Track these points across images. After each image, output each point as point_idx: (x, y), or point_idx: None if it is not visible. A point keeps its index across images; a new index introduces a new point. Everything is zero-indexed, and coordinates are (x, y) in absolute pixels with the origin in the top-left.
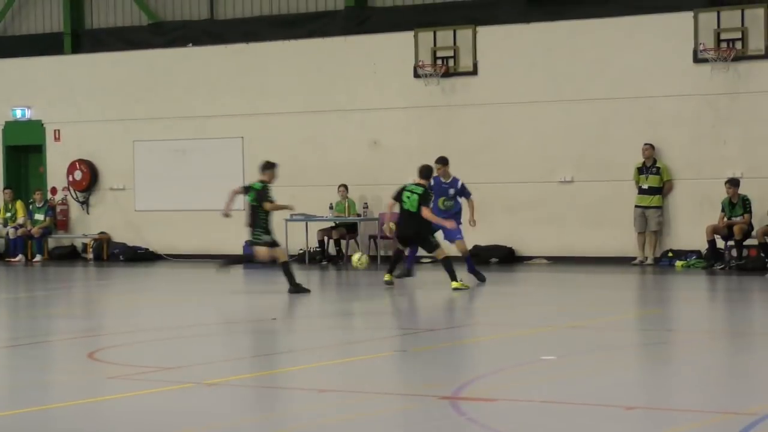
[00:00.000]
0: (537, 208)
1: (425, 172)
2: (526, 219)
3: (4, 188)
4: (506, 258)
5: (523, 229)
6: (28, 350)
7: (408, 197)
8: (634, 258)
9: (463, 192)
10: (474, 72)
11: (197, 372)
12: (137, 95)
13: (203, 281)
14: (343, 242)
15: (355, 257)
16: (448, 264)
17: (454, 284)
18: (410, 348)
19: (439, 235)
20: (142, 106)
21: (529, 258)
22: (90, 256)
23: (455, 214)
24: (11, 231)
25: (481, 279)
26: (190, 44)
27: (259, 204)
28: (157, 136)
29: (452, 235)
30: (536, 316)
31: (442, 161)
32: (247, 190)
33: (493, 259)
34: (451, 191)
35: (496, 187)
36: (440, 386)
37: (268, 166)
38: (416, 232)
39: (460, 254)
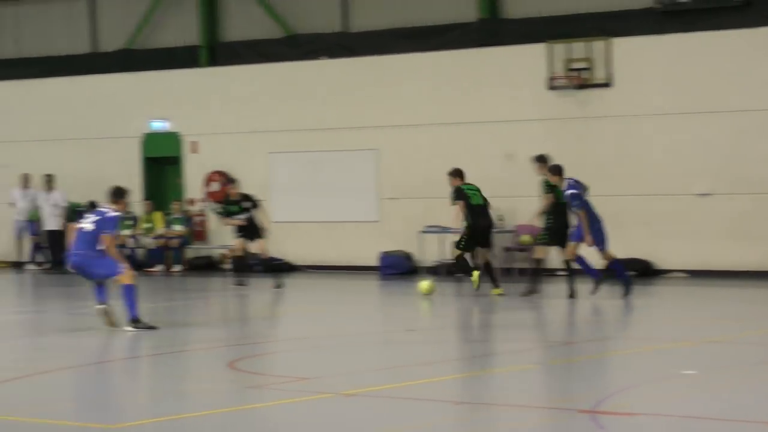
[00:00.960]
0: (674, 222)
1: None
2: (664, 232)
3: (144, 199)
4: (644, 272)
5: (661, 243)
6: (168, 359)
7: (474, 193)
8: None
9: (568, 202)
10: (608, 84)
11: (335, 382)
12: (272, 107)
13: (340, 292)
14: None
15: (424, 285)
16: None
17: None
18: (548, 361)
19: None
20: (277, 118)
21: (667, 272)
22: (227, 266)
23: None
24: (150, 241)
25: (626, 292)
26: (324, 57)
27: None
28: (292, 148)
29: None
30: (675, 330)
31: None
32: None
33: (631, 273)
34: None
35: (633, 200)
36: (579, 400)
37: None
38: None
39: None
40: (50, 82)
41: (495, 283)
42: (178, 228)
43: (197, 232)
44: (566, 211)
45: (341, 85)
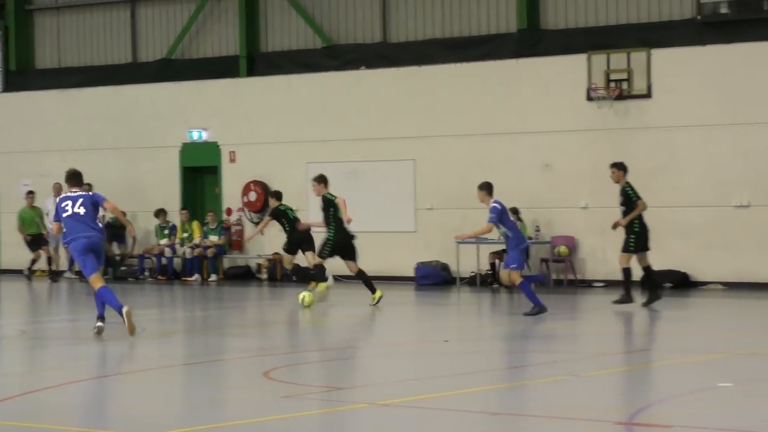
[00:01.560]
0: (712, 233)
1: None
2: (701, 244)
3: (181, 209)
4: (680, 283)
5: (698, 254)
6: (203, 368)
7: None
8: None
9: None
10: (648, 95)
11: (370, 392)
12: (311, 117)
13: (385, 300)
14: None
15: (305, 297)
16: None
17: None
18: (583, 372)
19: None
20: (316, 128)
21: (704, 283)
22: (264, 276)
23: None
24: (187, 251)
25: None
26: (363, 67)
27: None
28: (330, 158)
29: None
30: (712, 342)
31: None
32: None
33: (667, 284)
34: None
35: (670, 212)
36: (615, 411)
37: None
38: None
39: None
40: (90, 92)
41: (372, 289)
42: (214, 237)
43: (234, 242)
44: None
45: (380, 96)
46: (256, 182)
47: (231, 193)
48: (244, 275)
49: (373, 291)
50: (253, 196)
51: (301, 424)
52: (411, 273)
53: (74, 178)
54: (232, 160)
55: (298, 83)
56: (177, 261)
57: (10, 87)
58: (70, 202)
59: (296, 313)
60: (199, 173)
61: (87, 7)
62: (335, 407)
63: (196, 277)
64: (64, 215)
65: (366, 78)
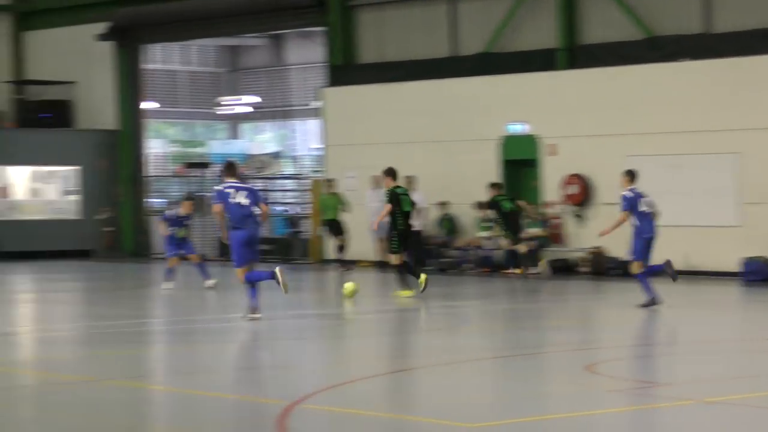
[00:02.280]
0: None
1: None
2: None
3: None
4: None
5: None
6: (524, 361)
7: (405, 198)
8: None
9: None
10: None
11: (696, 389)
12: (631, 110)
13: (699, 297)
14: None
15: (348, 287)
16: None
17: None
18: None
19: None
20: (636, 120)
21: None
22: (585, 269)
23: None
24: (507, 243)
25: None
26: (686, 58)
27: None
28: (651, 151)
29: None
30: None
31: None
32: None
33: None
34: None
35: None
36: None
37: None
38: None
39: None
40: (411, 86)
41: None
42: (533, 230)
43: (553, 235)
44: None
45: (703, 88)
46: (575, 175)
47: (549, 186)
48: (564, 269)
49: (418, 276)
50: (572, 189)
51: (627, 419)
52: (733, 268)
53: (231, 168)
54: (552, 153)
55: (618, 75)
56: (497, 253)
57: (335, 81)
58: (233, 191)
59: (617, 307)
60: (518, 166)
61: (407, 2)
62: (660, 403)
63: (522, 269)
64: (230, 200)
65: (688, 69)
